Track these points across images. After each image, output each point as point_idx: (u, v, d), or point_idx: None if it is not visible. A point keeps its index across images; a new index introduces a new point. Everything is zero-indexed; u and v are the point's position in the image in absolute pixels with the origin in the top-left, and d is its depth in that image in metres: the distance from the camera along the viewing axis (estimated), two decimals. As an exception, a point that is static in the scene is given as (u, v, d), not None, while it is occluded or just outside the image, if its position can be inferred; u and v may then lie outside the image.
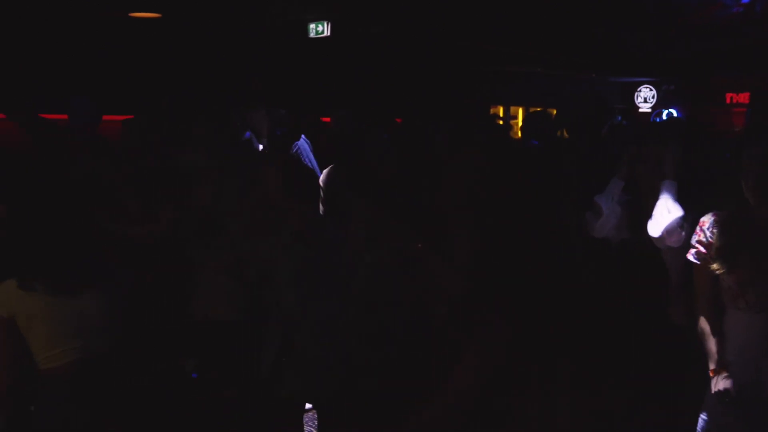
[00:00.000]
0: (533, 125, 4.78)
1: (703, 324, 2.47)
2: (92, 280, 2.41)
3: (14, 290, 2.32)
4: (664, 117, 11.37)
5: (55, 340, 2.32)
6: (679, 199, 2.76)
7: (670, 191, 2.77)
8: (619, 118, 8.93)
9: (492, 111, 10.51)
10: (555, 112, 9.90)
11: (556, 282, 1.75)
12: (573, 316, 1.72)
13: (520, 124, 7.28)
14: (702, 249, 2.45)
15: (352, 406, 2.70)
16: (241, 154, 3.48)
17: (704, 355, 2.46)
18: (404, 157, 3.54)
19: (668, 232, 2.72)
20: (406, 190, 3.04)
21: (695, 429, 2.49)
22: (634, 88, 12.89)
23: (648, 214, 2.80)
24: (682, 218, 2.73)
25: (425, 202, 2.48)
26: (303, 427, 3.27)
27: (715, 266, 2.39)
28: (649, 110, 12.61)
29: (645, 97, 12.89)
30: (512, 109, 11.22)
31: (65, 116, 4.66)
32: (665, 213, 2.73)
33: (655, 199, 2.79)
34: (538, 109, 5.80)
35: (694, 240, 2.50)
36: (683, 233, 2.71)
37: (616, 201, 2.98)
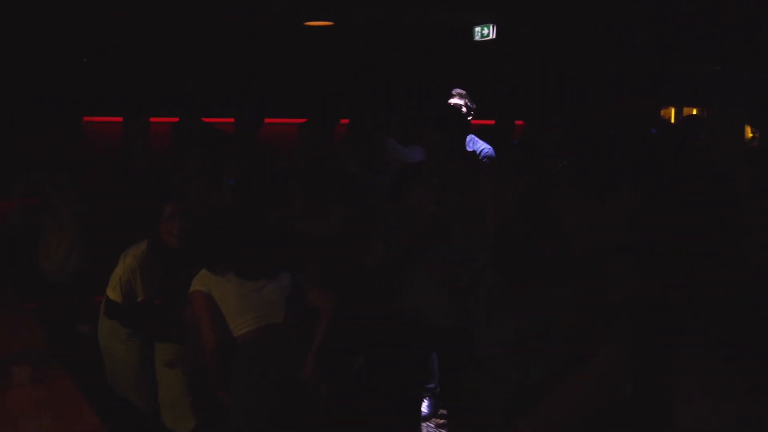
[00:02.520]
0: (689, 130, 4.43)
1: None
2: (269, 269, 2.95)
3: (208, 274, 2.91)
4: None
5: (243, 311, 2.84)
6: None
7: None
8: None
9: (662, 113, 9.92)
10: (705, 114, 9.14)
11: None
12: None
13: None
14: None
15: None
16: (463, 160, 3.54)
17: None
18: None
19: None
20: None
21: None
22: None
23: None
24: None
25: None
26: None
27: None
28: None
29: (841, 96, 11.56)
30: (685, 110, 10.50)
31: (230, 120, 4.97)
32: None
33: None
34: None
35: None
36: None
37: None
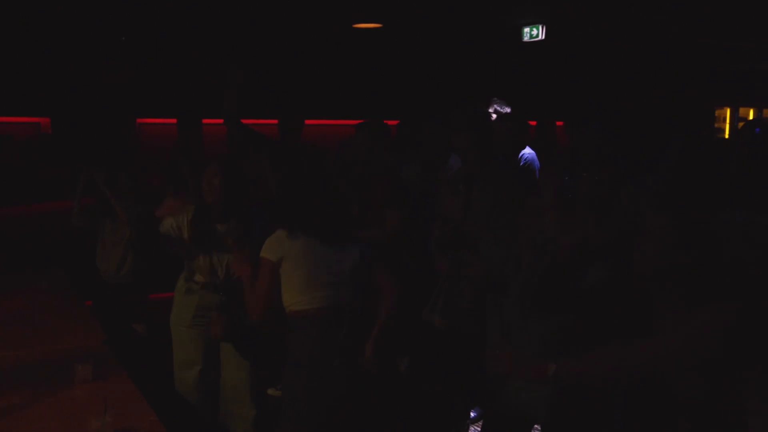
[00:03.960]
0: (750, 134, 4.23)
1: None
2: (346, 241, 2.81)
3: (284, 238, 2.77)
4: None
5: (309, 287, 2.70)
6: None
7: None
8: None
9: (717, 113, 9.67)
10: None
11: None
12: None
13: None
14: None
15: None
16: (495, 168, 3.53)
17: None
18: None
19: None
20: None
21: None
22: None
23: None
24: None
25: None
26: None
27: None
28: None
29: None
30: (741, 111, 10.20)
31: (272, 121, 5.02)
32: None
33: None
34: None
35: None
36: None
37: None
